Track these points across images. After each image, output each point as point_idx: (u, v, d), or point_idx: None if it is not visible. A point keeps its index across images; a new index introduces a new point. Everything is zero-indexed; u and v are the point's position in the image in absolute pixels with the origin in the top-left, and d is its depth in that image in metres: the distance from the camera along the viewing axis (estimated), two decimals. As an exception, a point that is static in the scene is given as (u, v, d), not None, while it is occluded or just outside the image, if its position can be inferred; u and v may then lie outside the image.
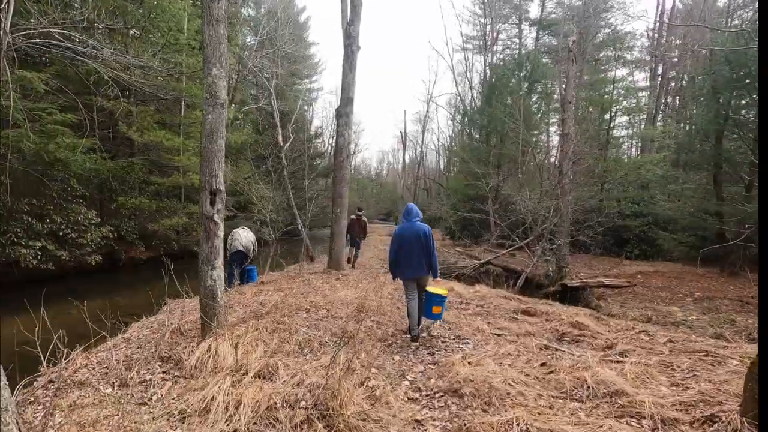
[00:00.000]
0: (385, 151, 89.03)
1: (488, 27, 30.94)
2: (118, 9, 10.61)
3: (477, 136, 25.52)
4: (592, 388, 3.38)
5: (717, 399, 3.10)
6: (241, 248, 7.92)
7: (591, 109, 19.57)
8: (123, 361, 3.89)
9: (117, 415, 2.81)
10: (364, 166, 60.66)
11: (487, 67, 30.21)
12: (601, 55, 25.33)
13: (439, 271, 4.99)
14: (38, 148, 8.32)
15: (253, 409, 2.67)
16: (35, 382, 3.44)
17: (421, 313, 4.73)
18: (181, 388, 3.16)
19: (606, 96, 18.06)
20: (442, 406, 3.10)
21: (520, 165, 17.40)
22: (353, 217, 10.78)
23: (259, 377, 3.15)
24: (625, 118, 20.45)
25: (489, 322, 5.61)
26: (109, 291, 9.70)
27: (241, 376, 3.06)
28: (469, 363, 3.90)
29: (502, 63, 28.26)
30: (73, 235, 9.88)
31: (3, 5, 5.44)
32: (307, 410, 2.68)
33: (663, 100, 23.92)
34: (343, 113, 8.82)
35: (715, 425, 2.62)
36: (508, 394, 3.22)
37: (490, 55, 30.79)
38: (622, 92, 18.60)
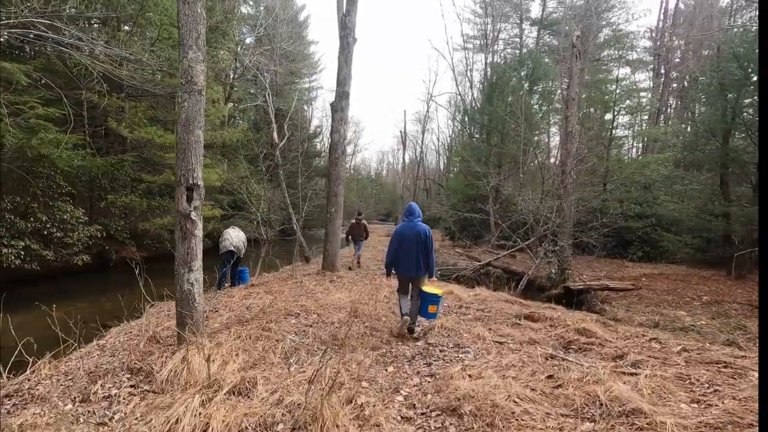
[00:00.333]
0: (385, 152, 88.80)
1: (489, 26, 30.64)
2: (109, 1, 10.28)
3: (477, 135, 25.21)
4: (606, 405, 3.05)
5: (746, 420, 2.78)
6: (231, 248, 7.71)
7: (593, 110, 19.29)
8: (91, 372, 3.56)
9: (70, 438, 2.48)
10: (364, 167, 60.40)
11: (488, 66, 29.92)
12: (602, 54, 25.04)
13: (436, 272, 5.06)
14: (21, 143, 7.98)
15: (222, 434, 2.34)
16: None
17: (418, 312, 4.78)
18: (148, 406, 2.82)
19: (607, 96, 17.74)
20: (439, 428, 2.77)
21: (521, 165, 17.09)
22: (353, 221, 11.02)
23: (235, 394, 2.82)
24: (626, 118, 20.14)
25: (490, 329, 5.27)
26: (96, 292, 9.37)
27: (213, 393, 2.72)
28: (470, 376, 3.57)
29: (503, 62, 27.95)
30: (58, 234, 9.53)
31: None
32: (285, 435, 2.35)
33: (665, 98, 23.60)
34: (339, 108, 8.48)
35: (751, 455, 2.29)
36: (513, 413, 2.89)
37: (491, 53, 30.49)
38: (624, 92, 18.27)
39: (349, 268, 10.58)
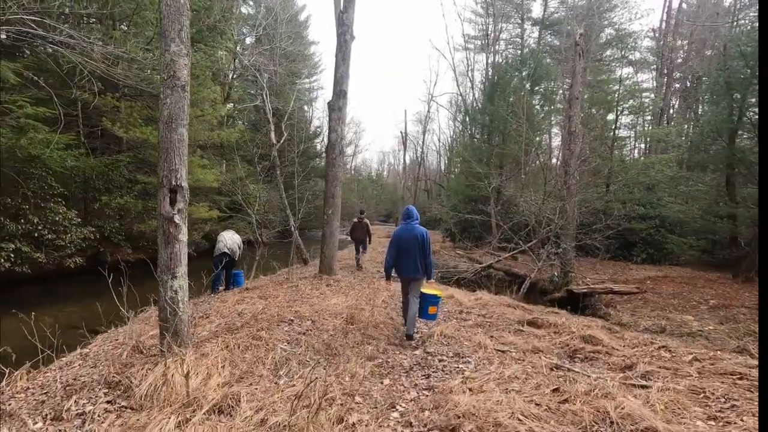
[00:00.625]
0: (386, 152, 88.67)
1: (490, 26, 30.44)
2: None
3: (479, 135, 25.00)
4: (617, 423, 2.84)
5: (771, 442, 2.54)
6: (225, 250, 7.52)
7: (594, 110, 19.06)
8: (68, 386, 3.35)
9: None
10: (364, 168, 60.19)
11: (489, 66, 29.71)
12: (604, 54, 24.79)
13: (435, 274, 5.26)
14: (10, 143, 7.78)
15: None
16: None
17: (416, 316, 4.82)
18: (123, 425, 2.61)
19: (609, 96, 17.51)
20: (436, 450, 2.56)
21: (523, 165, 16.85)
22: (355, 220, 10.94)
23: (216, 413, 2.60)
24: (628, 118, 19.89)
25: (492, 336, 5.06)
26: (90, 295, 9.12)
27: (191, 412, 2.51)
28: (470, 389, 3.35)
29: (504, 62, 27.73)
30: (50, 236, 9.32)
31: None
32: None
33: (668, 98, 23.34)
34: (336, 107, 8.26)
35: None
36: (517, 432, 2.67)
37: (492, 53, 30.28)
38: (627, 92, 18.03)
39: (359, 269, 10.64)
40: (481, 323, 5.70)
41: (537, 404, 3.14)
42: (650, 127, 20.77)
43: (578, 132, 10.76)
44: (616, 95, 17.36)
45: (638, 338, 5.32)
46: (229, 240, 7.65)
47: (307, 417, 2.29)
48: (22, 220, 8.82)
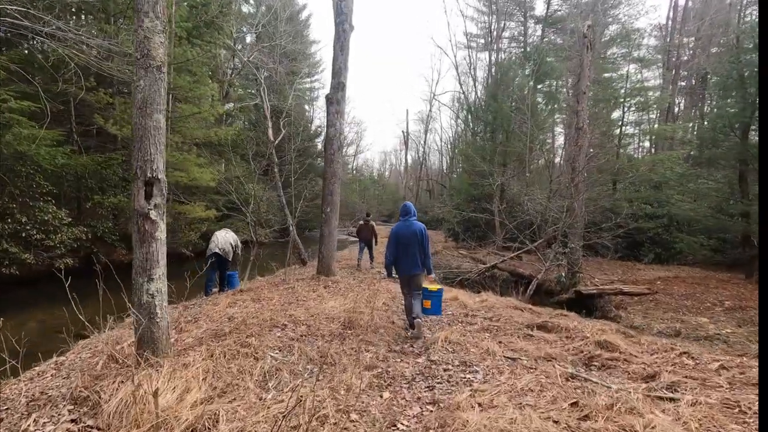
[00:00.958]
0: (388, 152, 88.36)
1: (493, 24, 30.05)
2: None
3: (482, 133, 24.63)
4: (648, 446, 2.49)
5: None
6: (217, 250, 7.15)
7: (597, 109, 18.68)
8: (32, 401, 3.02)
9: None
10: (366, 167, 59.83)
11: (492, 63, 29.32)
12: (609, 52, 24.38)
13: (437, 273, 5.12)
14: (-6, 140, 7.48)
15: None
16: None
17: (417, 308, 4.87)
18: (83, 450, 2.28)
19: (615, 93, 17.13)
20: (443, 480, 2.21)
21: (527, 163, 16.48)
22: (361, 222, 11.35)
23: (189, 436, 2.27)
24: (634, 116, 19.50)
25: (500, 342, 4.70)
26: (80, 298, 8.83)
27: (160, 436, 2.17)
28: (480, 404, 3.00)
29: (507, 59, 27.34)
30: (39, 236, 9.00)
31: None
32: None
33: (674, 95, 22.93)
34: (334, 100, 7.91)
35: None
36: (536, 459, 2.32)
37: (495, 50, 29.88)
38: (633, 89, 17.65)
39: (358, 269, 10.68)
40: (488, 327, 5.35)
41: (555, 421, 2.79)
42: (656, 125, 20.36)
43: (586, 128, 10.38)
44: (623, 91, 16.98)
45: (657, 343, 4.94)
46: (222, 240, 7.29)
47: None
48: (9, 220, 8.50)
